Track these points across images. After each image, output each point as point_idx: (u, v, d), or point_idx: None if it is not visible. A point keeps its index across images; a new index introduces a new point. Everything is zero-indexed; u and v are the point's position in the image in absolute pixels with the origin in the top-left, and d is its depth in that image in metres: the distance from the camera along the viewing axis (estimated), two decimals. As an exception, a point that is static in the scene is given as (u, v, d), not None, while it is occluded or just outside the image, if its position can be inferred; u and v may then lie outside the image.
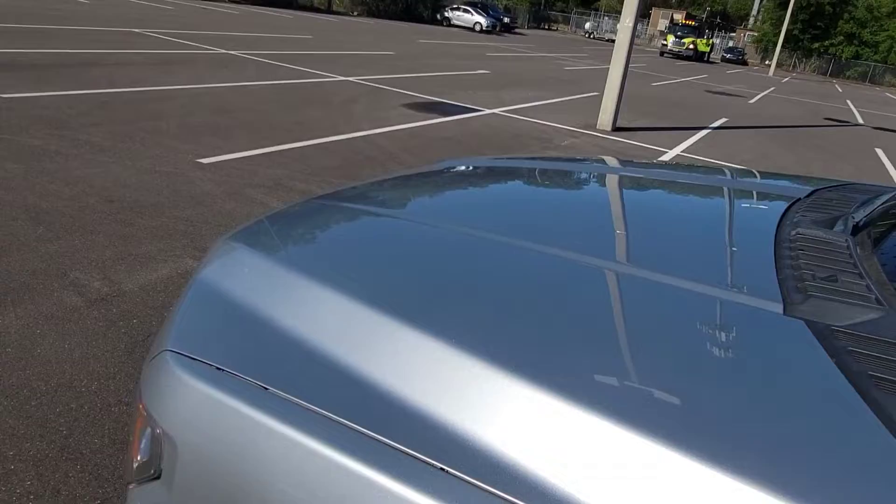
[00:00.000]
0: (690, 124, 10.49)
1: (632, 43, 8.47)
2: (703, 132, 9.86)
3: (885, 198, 1.24)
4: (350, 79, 9.95)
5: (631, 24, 8.32)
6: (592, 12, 57.70)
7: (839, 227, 1.11)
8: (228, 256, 0.99)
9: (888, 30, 46.52)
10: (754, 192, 1.64)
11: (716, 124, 11.01)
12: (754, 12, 61.04)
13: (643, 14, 64.12)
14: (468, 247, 1.05)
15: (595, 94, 12.41)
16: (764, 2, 56.26)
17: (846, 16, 47.75)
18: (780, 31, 41.69)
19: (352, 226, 1.18)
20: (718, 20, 57.06)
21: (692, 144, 8.58)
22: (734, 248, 1.09)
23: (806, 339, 0.76)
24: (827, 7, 47.01)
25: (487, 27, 34.57)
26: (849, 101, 23.54)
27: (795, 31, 45.98)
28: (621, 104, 8.84)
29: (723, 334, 0.79)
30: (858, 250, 1.00)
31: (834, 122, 15.03)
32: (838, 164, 8.87)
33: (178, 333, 0.80)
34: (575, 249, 1.03)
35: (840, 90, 31.87)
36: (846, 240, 1.04)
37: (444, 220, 1.20)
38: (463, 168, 1.78)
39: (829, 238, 1.05)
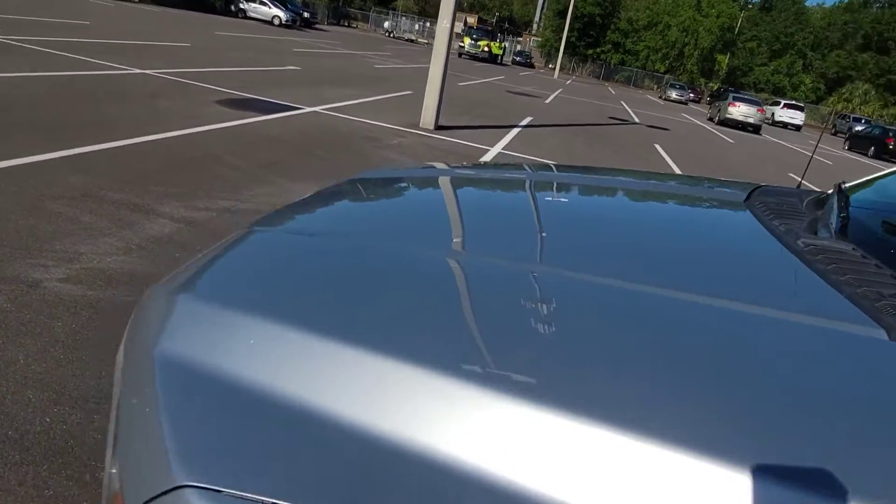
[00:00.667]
0: (503, 123, 11.02)
1: (450, 44, 8.64)
2: (516, 130, 10.41)
3: (831, 203, 1.28)
4: (148, 72, 8.92)
5: (448, 26, 8.48)
6: (391, 11, 58.54)
7: (824, 233, 1.11)
8: (206, 321, 0.71)
9: (645, 40, 53.51)
10: (696, 197, 1.64)
11: (524, 123, 11.70)
12: (537, 19, 66.44)
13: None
14: (432, 267, 0.92)
15: (409, 92, 12.53)
16: (545, 10, 61.55)
17: (613, 27, 54.07)
18: (560, 38, 45.91)
19: (308, 257, 0.94)
20: (507, 25, 61.20)
21: (510, 142, 9.00)
22: (760, 263, 1.05)
23: None
24: (597, 18, 52.79)
25: (287, 21, 33.40)
26: (623, 102, 26.59)
27: (573, 39, 50.91)
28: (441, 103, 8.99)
29: (845, 368, 0.72)
30: (872, 259, 1.00)
31: (617, 120, 16.84)
32: (633, 160, 9.90)
33: (190, 454, 0.52)
34: (569, 265, 0.92)
35: (613, 92, 35.93)
36: (853, 248, 1.03)
37: (396, 238, 1.04)
38: (382, 179, 1.58)
39: (842, 248, 1.03)
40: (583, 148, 10.07)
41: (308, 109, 8.34)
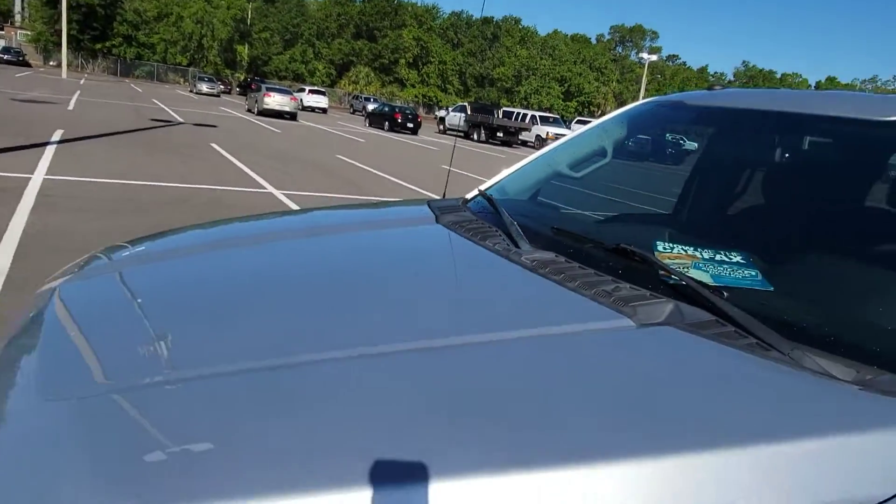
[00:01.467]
0: (29, 141, 9.16)
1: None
2: (52, 148, 8.80)
3: (505, 217, 1.39)
4: None
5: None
6: None
7: (525, 246, 1.27)
8: None
9: (159, 33, 50.97)
10: (385, 226, 1.65)
11: (56, 137, 9.96)
12: (19, 9, 56.51)
13: None
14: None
15: None
16: (28, -1, 52.74)
17: (119, 18, 49.70)
18: (57, 31, 40.10)
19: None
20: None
21: (51, 164, 7.54)
22: (510, 286, 1.17)
23: (691, 341, 0.93)
24: (98, 9, 47.67)
25: None
26: (156, 100, 25.02)
27: (74, 32, 45.00)
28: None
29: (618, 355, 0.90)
30: (574, 262, 1.20)
31: (161, 122, 15.76)
32: (202, 165, 9.46)
33: None
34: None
35: (140, 90, 33.36)
36: (555, 255, 1.22)
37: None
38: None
39: (551, 258, 1.21)
40: (149, 161, 9.11)
41: None
